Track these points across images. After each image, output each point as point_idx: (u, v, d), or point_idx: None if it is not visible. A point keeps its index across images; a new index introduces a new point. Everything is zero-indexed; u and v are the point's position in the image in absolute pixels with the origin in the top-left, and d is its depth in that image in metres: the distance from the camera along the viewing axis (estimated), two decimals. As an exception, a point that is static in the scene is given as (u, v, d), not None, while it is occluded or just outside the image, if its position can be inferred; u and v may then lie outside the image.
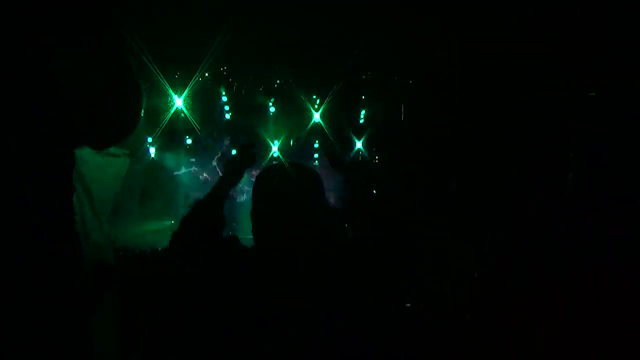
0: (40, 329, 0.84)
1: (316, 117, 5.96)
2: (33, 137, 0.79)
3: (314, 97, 6.02)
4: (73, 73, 0.83)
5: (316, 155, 6.84)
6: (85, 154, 1.41)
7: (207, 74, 6.04)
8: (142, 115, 1.03)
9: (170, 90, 5.99)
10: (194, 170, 6.99)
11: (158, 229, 6.60)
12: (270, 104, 6.45)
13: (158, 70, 5.13)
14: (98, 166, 1.74)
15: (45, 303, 0.84)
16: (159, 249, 5.38)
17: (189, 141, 6.76)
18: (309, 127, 6.13)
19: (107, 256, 1.85)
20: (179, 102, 5.77)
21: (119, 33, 0.93)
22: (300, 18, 4.37)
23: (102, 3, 0.88)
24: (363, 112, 6.26)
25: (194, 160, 6.92)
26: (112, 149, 1.99)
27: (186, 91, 5.70)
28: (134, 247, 5.15)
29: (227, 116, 6.62)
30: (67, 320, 0.90)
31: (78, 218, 1.44)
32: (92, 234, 1.78)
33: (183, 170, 6.90)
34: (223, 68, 6.03)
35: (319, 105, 5.95)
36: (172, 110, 5.90)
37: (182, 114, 6.03)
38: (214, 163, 6.85)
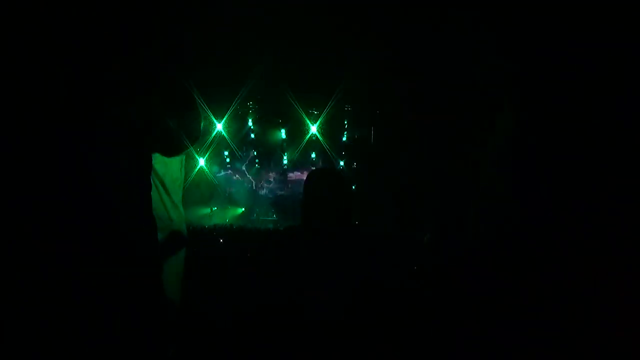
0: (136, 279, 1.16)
1: (313, 129, 8.47)
2: (128, 146, 1.13)
3: (311, 121, 8.45)
4: (157, 103, 1.14)
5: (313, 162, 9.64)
6: (155, 155, 1.69)
7: (238, 107, 8.67)
8: (200, 134, 1.32)
9: (214, 118, 8.68)
10: (229, 172, 10.00)
11: (204, 213, 9.47)
12: (282, 129, 9.09)
13: (205, 104, 7.46)
14: (164, 163, 2.08)
15: (130, 261, 1.13)
16: (206, 226, 7.75)
17: (226, 153, 9.52)
18: (305, 140, 8.68)
19: (182, 228, 2.28)
20: (219, 126, 8.36)
21: (186, 75, 1.20)
22: (299, 74, 6.72)
23: (178, 53, 1.15)
24: (345, 132, 8.98)
25: (229, 166, 9.86)
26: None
27: (224, 118, 8.29)
28: (188, 224, 7.25)
29: (252, 136, 9.27)
30: (146, 273, 1.21)
31: (158, 201, 2.00)
32: (170, 212, 2.19)
33: (222, 172, 9.89)
34: (250, 103, 8.57)
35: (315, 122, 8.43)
36: (215, 131, 8.55)
37: (222, 134, 8.70)
38: (243, 168, 9.84)
